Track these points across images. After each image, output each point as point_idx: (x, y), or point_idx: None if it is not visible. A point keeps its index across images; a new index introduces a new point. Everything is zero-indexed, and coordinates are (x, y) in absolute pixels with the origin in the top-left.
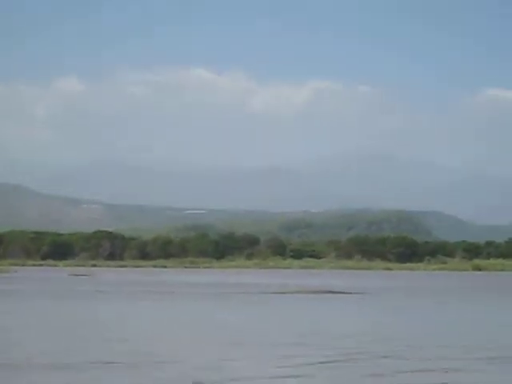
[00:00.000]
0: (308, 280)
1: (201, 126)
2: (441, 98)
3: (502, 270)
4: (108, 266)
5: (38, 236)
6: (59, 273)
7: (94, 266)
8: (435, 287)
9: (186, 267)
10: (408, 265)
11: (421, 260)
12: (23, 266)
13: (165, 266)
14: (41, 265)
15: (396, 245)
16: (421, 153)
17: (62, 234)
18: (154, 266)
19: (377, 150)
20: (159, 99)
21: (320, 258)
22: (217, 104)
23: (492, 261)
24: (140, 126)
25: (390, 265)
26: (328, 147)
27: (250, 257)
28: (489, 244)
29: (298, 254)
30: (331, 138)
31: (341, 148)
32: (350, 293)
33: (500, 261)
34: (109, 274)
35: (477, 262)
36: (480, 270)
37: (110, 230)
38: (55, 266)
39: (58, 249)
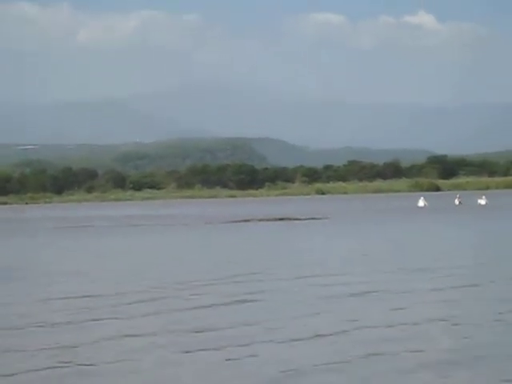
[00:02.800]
0: (210, 210)
1: (30, 62)
2: (269, 23)
3: (345, 192)
4: None
5: None
6: None
7: None
8: (341, 210)
9: (26, 203)
10: (250, 191)
11: (261, 186)
12: None
13: (5, 203)
14: None
15: (236, 172)
16: (253, 79)
17: None
18: None
19: (206, 79)
20: None
21: (160, 188)
22: (42, 38)
23: (333, 184)
24: None
25: (232, 192)
26: (158, 79)
27: (90, 190)
28: (327, 168)
29: (138, 186)
30: (161, 69)
31: (171, 79)
32: (307, 219)
33: (341, 184)
34: None
35: (320, 186)
36: (323, 193)
37: None
38: None
39: None
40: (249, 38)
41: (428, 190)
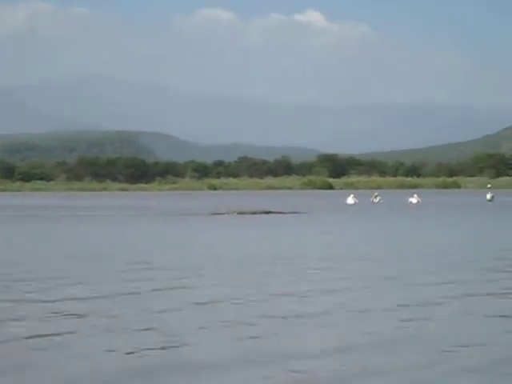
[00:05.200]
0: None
1: None
2: (158, 20)
3: (237, 188)
4: None
5: None
6: None
7: None
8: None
9: None
10: (140, 185)
11: (151, 181)
12: None
13: None
14: None
15: (126, 166)
16: (143, 73)
17: None
18: None
19: (94, 72)
20: None
21: (50, 180)
22: None
23: (225, 180)
24: None
25: (123, 185)
26: (45, 70)
27: None
28: (218, 164)
29: (27, 177)
30: (48, 60)
31: (58, 71)
32: (286, 213)
33: (232, 180)
34: None
35: (212, 181)
36: (216, 189)
37: None
38: None
39: None
40: (138, 33)
41: (321, 187)
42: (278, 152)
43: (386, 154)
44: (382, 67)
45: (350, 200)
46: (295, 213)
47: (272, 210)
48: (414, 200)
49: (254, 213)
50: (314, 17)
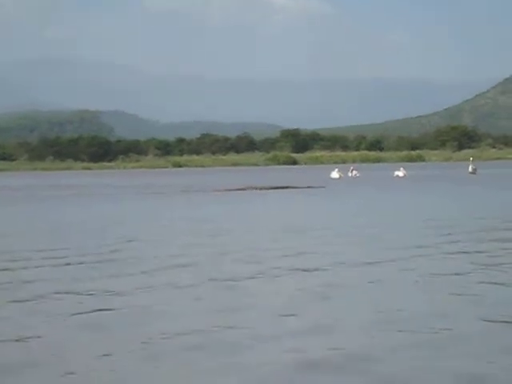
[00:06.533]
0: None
1: None
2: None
3: (202, 166)
4: None
5: None
6: None
7: None
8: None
9: None
10: (104, 164)
11: (114, 159)
12: None
13: None
14: None
15: (88, 145)
16: (105, 54)
17: None
18: None
19: (59, 53)
20: None
21: (12, 160)
22: None
23: (188, 157)
24: None
25: (86, 164)
26: (4, 50)
27: None
28: (180, 141)
29: None
30: (8, 40)
31: (18, 52)
32: (308, 187)
33: (195, 157)
34: None
35: (176, 158)
36: (180, 166)
37: None
38: None
39: None
40: (97, 12)
41: (285, 163)
42: (239, 128)
43: (347, 129)
44: (341, 43)
45: (335, 174)
46: (311, 187)
47: (289, 185)
48: (400, 173)
49: (275, 188)
50: None
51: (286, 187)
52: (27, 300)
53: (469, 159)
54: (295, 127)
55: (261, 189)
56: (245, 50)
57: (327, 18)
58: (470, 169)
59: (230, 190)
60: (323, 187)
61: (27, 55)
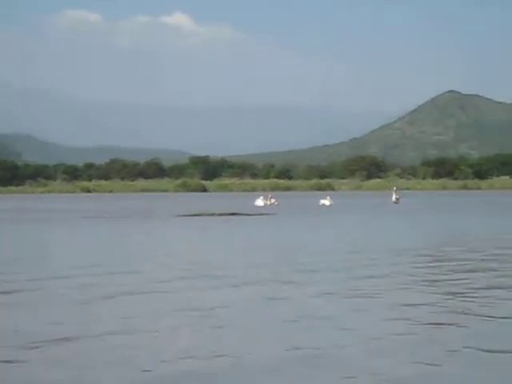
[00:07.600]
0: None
1: None
2: (25, 21)
3: (111, 191)
4: None
5: None
6: None
7: None
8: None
9: None
10: (11, 188)
11: (21, 183)
12: None
13: None
14: None
15: None
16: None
17: None
18: None
19: None
20: None
21: None
22: None
23: (97, 182)
24: None
25: None
26: None
27: None
28: (89, 166)
29: None
30: None
31: None
32: (254, 214)
33: (103, 182)
34: None
35: (85, 184)
36: (89, 191)
37: None
38: None
39: None
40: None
41: (195, 190)
42: (146, 154)
43: (255, 156)
44: (247, 68)
45: (260, 202)
46: (262, 214)
47: (238, 212)
48: (327, 202)
49: (227, 214)
50: (181, 19)
51: (234, 214)
52: None
53: (386, 188)
54: (205, 154)
55: (219, 215)
56: (151, 75)
57: (234, 44)
58: (394, 198)
59: (186, 215)
60: (269, 214)
61: None
